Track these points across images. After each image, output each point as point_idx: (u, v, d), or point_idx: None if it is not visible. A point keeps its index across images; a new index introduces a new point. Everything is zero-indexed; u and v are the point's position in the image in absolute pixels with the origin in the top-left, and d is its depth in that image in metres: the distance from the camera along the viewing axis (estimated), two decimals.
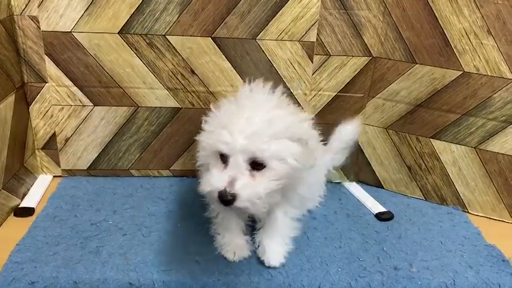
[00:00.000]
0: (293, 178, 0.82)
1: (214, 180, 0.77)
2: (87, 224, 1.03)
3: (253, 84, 0.83)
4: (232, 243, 0.95)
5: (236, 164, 0.77)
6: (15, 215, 1.05)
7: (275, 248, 0.94)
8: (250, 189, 0.76)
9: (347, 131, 1.16)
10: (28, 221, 1.02)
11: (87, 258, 0.92)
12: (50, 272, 0.88)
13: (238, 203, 0.75)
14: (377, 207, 1.15)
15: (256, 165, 0.77)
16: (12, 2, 1.01)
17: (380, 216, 1.12)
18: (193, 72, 1.12)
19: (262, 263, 0.93)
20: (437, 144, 1.14)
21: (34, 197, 1.11)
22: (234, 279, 0.90)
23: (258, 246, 0.95)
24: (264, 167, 0.78)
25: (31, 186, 1.15)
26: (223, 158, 0.79)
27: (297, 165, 0.79)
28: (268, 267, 0.92)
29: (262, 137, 0.76)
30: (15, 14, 1.02)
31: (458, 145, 1.12)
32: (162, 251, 0.96)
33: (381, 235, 1.06)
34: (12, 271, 0.88)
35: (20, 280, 0.86)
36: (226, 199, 0.75)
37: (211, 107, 0.84)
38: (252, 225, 0.99)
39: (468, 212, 1.17)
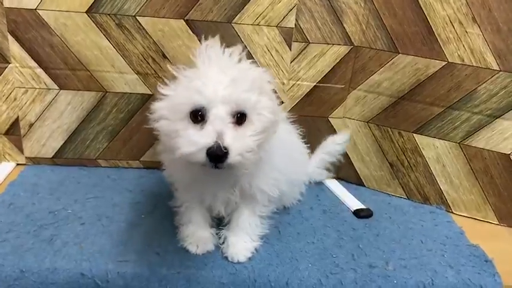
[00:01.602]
0: (267, 137, 0.74)
1: (196, 138, 0.67)
2: (45, 213, 0.96)
3: (210, 42, 0.75)
4: (196, 235, 0.89)
5: (219, 117, 0.68)
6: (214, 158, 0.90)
7: (241, 244, 0.88)
8: (241, 142, 0.68)
9: (336, 145, 1.14)
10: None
11: (38, 247, 0.86)
12: None
13: (231, 159, 0.66)
14: (356, 204, 1.09)
15: (238, 118, 0.70)
16: None
17: (358, 214, 1.06)
18: (164, 56, 1.06)
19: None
20: (421, 140, 1.09)
21: None
22: (195, 273, 0.83)
23: (223, 242, 0.89)
24: (245, 120, 0.70)
25: None
26: (196, 118, 0.69)
27: (273, 119, 0.72)
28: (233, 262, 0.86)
29: (243, 86, 0.69)
30: None
31: (442, 140, 1.07)
32: (121, 242, 0.89)
33: (358, 232, 0.99)
34: None
35: None
36: (221, 153, 0.65)
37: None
38: (218, 221, 0.93)
39: (452, 212, 1.11)
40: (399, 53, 1.04)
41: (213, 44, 0.74)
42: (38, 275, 0.81)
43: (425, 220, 1.06)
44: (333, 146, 1.14)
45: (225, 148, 0.66)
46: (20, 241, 0.87)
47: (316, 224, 1.01)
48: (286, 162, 0.88)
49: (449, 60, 1.00)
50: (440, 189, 1.11)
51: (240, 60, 0.74)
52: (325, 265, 0.88)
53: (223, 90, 0.68)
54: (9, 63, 1.04)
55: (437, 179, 1.10)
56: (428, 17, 0.99)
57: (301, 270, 0.86)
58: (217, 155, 0.66)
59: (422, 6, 0.99)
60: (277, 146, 0.81)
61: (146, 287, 0.82)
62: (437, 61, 1.01)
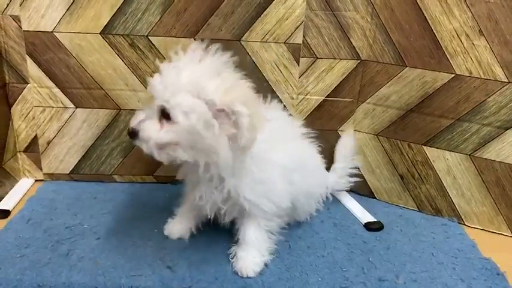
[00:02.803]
0: (203, 143, 0.76)
1: (132, 119, 0.82)
2: (62, 228, 1.00)
3: (196, 45, 0.81)
4: (174, 223, 0.99)
5: (151, 109, 0.79)
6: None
7: (249, 259, 0.89)
8: (150, 132, 0.78)
9: (346, 148, 1.14)
10: (1, 223, 1.00)
11: (55, 261, 0.89)
12: (14, 274, 0.85)
13: (137, 141, 0.80)
14: (366, 217, 1.09)
15: (165, 114, 0.77)
16: None
17: (369, 226, 1.06)
18: None
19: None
20: (431, 152, 1.09)
21: (11, 199, 1.08)
22: (207, 287, 0.85)
23: (233, 257, 0.91)
24: (170, 117, 0.77)
25: (10, 189, 1.12)
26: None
27: (199, 126, 0.74)
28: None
29: (169, 87, 0.76)
30: None
31: (452, 152, 1.07)
32: (135, 256, 0.92)
33: (368, 245, 1.00)
34: None
35: None
36: (130, 133, 0.80)
37: None
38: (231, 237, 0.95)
39: (464, 224, 1.10)
40: (407, 67, 1.05)
41: (196, 46, 0.81)
42: None
43: (437, 232, 1.06)
44: (344, 150, 1.14)
45: (134, 130, 0.79)
46: (37, 256, 0.90)
47: (327, 237, 1.02)
48: (298, 176, 0.91)
49: (457, 73, 1.01)
50: (452, 201, 1.10)
51: (199, 61, 0.78)
52: (335, 279, 0.88)
53: (157, 87, 0.77)
54: (28, 83, 1.09)
55: (448, 191, 1.10)
56: (435, 31, 1.00)
57: (311, 284, 0.87)
58: (128, 133, 0.81)
59: (428, 20, 1.00)
60: (277, 161, 0.86)
61: None
62: (445, 74, 1.02)
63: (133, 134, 0.79)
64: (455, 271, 0.93)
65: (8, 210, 1.04)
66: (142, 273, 0.87)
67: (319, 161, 1.06)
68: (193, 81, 0.75)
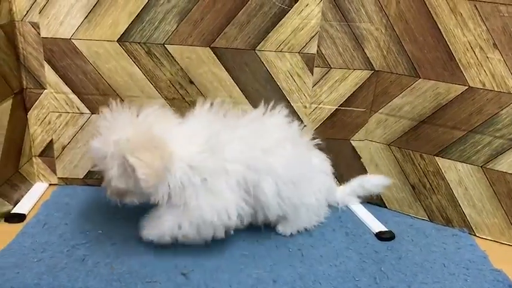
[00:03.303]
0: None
1: None
2: (77, 232, 1.01)
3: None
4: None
5: None
6: (5, 220, 1.04)
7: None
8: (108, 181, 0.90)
9: (376, 185, 1.15)
10: (18, 227, 1.01)
11: (71, 266, 0.90)
12: (31, 278, 0.86)
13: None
14: (378, 227, 1.10)
15: None
16: (13, 8, 1.02)
17: (380, 236, 1.07)
18: (191, 82, 1.10)
19: (251, 276, 0.90)
20: (442, 162, 1.10)
21: (27, 203, 1.10)
22: None
23: None
24: None
25: (25, 193, 1.14)
26: None
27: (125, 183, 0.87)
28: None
29: (99, 156, 0.88)
30: (16, 19, 1.03)
31: (464, 163, 1.08)
32: (149, 262, 0.93)
33: (380, 255, 1.00)
34: None
35: (1, 286, 0.84)
36: None
37: None
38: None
39: (475, 235, 1.11)
40: (420, 78, 1.06)
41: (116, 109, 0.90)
42: None
43: (448, 243, 1.07)
44: (369, 185, 1.15)
45: None
46: (54, 261, 0.91)
47: (339, 246, 1.03)
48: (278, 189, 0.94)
49: (471, 85, 1.01)
50: (463, 212, 1.11)
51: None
52: None
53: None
54: (45, 89, 1.10)
55: (459, 201, 1.11)
56: (449, 43, 1.01)
57: None
58: None
59: (442, 32, 1.01)
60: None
61: None
62: (459, 86, 1.02)
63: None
64: (466, 282, 0.93)
65: (24, 214, 1.06)
66: (158, 280, 0.88)
67: (321, 169, 1.07)
68: (105, 146, 0.85)
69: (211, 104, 0.95)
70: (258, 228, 1.03)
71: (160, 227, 0.93)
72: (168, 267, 0.91)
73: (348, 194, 1.17)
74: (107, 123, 0.87)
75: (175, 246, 0.98)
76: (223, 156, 0.89)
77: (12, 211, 1.06)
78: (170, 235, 0.93)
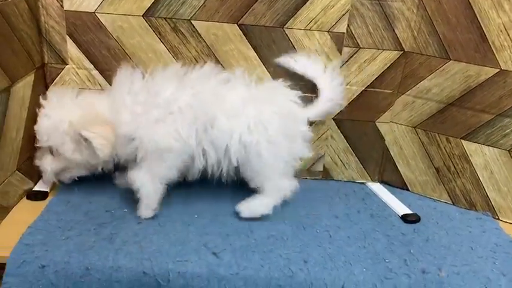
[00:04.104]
0: (84, 159, 0.99)
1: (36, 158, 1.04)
2: (101, 211, 0.99)
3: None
4: None
5: (44, 148, 1.01)
6: (28, 197, 1.02)
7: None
8: (45, 166, 1.01)
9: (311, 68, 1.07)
10: (41, 205, 0.99)
11: (100, 245, 0.88)
12: (61, 256, 0.84)
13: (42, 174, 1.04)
14: (402, 209, 1.10)
15: (52, 150, 0.99)
16: None
17: (406, 218, 1.06)
18: (216, 59, 1.08)
19: (281, 256, 0.90)
20: (468, 146, 1.09)
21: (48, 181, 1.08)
22: (254, 275, 0.85)
23: None
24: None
25: None
26: None
27: (73, 153, 0.97)
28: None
29: (45, 133, 0.98)
30: None
31: (490, 147, 1.07)
32: (178, 241, 0.91)
33: (407, 237, 1.00)
34: (22, 253, 0.84)
35: (30, 263, 0.83)
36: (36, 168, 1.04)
37: None
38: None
39: (499, 219, 1.11)
40: (450, 60, 1.04)
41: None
42: (102, 273, 0.84)
43: (473, 226, 1.07)
44: (311, 68, 1.07)
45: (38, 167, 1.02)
46: (82, 239, 0.90)
47: (365, 228, 1.02)
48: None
49: (502, 68, 1.00)
50: (487, 196, 1.11)
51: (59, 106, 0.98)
52: (379, 270, 0.89)
53: (38, 132, 0.99)
54: (67, 64, 1.07)
55: (484, 185, 1.10)
56: (482, 24, 0.99)
57: (356, 275, 0.87)
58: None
59: (476, 13, 0.99)
60: None
61: (206, 287, 0.84)
62: (490, 68, 1.01)
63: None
64: (495, 265, 0.93)
65: (47, 192, 1.04)
66: (189, 259, 0.87)
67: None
68: (56, 123, 0.95)
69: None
70: (283, 209, 1.03)
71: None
72: (197, 247, 0.90)
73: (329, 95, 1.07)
74: (52, 103, 0.98)
75: (204, 226, 0.97)
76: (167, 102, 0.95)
77: (35, 188, 1.05)
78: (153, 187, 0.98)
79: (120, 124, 0.96)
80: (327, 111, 1.09)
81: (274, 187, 1.01)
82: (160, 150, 0.95)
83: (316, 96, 1.08)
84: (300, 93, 1.04)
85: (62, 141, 0.96)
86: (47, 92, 1.01)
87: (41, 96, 0.99)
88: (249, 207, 1.01)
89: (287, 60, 1.07)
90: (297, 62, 1.07)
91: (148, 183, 0.97)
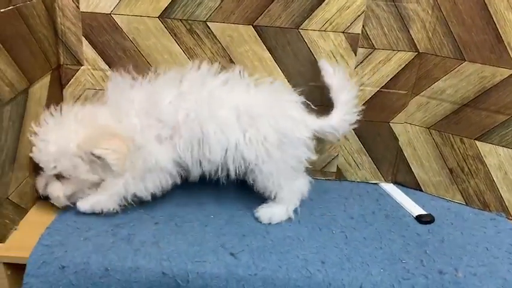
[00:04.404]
0: (95, 178, 0.94)
1: (38, 185, 0.98)
2: (121, 212, 0.99)
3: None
4: None
5: (47, 174, 0.95)
6: (44, 198, 1.02)
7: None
8: (56, 192, 0.95)
9: (328, 71, 1.03)
10: (57, 206, 1.00)
11: (118, 246, 0.89)
12: (80, 257, 0.85)
13: (52, 201, 0.98)
14: (417, 210, 1.10)
15: (59, 175, 0.94)
16: None
17: (420, 219, 1.07)
18: (231, 61, 1.08)
19: (298, 257, 0.90)
20: (483, 147, 1.09)
21: None
22: (271, 275, 0.86)
23: None
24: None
25: None
26: None
27: (85, 174, 0.93)
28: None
29: (49, 158, 0.92)
30: None
31: (505, 148, 1.07)
32: (196, 242, 0.92)
33: (422, 238, 1.01)
34: (42, 254, 0.85)
35: (50, 264, 0.84)
36: (42, 197, 0.99)
37: None
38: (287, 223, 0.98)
39: None
40: (465, 61, 1.04)
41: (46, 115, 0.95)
42: (121, 273, 0.84)
43: (487, 227, 1.07)
44: (335, 79, 1.03)
45: (45, 195, 0.97)
46: (100, 240, 0.90)
47: (381, 228, 1.02)
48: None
49: None
50: (501, 196, 1.11)
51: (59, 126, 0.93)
52: (396, 271, 0.89)
53: (39, 159, 0.94)
54: (82, 65, 1.08)
55: (498, 186, 1.10)
56: (498, 25, 0.99)
57: (374, 276, 0.87)
58: (43, 198, 1.00)
59: (492, 14, 0.99)
60: None
61: (225, 287, 0.85)
62: (505, 69, 1.01)
63: (46, 197, 0.96)
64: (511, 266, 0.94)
65: None
66: (207, 260, 0.87)
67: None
68: (61, 147, 0.89)
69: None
70: (299, 210, 1.04)
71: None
72: (215, 247, 0.91)
73: (344, 113, 1.02)
74: (49, 127, 0.93)
75: (220, 226, 0.98)
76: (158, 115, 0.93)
77: None
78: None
79: (129, 131, 0.92)
80: (337, 129, 1.02)
81: (289, 193, 1.01)
82: (155, 168, 0.94)
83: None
84: (302, 98, 1.00)
85: (74, 164, 0.91)
86: (40, 117, 0.94)
87: (32, 124, 0.92)
88: (268, 213, 1.01)
89: (326, 67, 1.04)
90: (331, 75, 1.03)
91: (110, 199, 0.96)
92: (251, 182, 0.99)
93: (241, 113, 0.94)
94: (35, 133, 0.92)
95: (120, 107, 0.94)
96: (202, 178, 1.01)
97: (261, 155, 0.95)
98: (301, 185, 1.03)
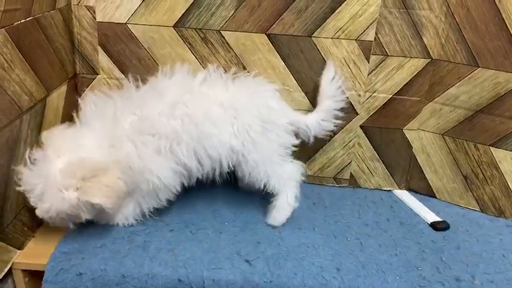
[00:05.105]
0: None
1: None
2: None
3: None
4: None
5: None
6: None
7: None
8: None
9: (331, 83, 1.06)
10: None
11: (134, 252, 0.90)
12: (97, 264, 0.86)
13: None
14: (431, 217, 1.09)
15: None
16: None
17: (435, 226, 1.06)
18: (245, 69, 1.09)
19: (313, 264, 0.90)
20: (497, 153, 1.09)
21: None
22: (287, 282, 0.86)
23: None
24: None
25: None
26: None
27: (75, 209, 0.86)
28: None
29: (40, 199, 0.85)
30: (73, 3, 1.02)
31: None
32: (211, 249, 0.93)
33: (438, 245, 1.00)
34: (60, 261, 0.86)
35: (67, 271, 0.84)
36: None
37: None
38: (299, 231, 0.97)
39: None
40: (479, 67, 1.04)
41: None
42: (138, 280, 0.85)
43: (503, 234, 1.06)
44: (330, 85, 1.06)
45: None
46: (116, 247, 0.91)
47: (395, 236, 1.02)
48: None
49: None
50: None
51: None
52: (412, 278, 0.89)
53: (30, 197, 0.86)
54: (98, 74, 1.09)
55: None
56: (511, 31, 0.99)
57: (390, 283, 0.87)
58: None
59: (506, 20, 0.99)
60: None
61: None
62: None
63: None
64: None
65: None
66: (222, 267, 0.88)
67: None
68: (60, 205, 0.82)
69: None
70: (312, 217, 1.04)
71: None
72: (230, 254, 0.91)
73: (323, 119, 1.06)
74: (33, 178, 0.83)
75: (235, 233, 0.98)
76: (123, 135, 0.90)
77: None
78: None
79: (125, 158, 0.89)
80: (310, 129, 1.05)
81: (281, 178, 1.01)
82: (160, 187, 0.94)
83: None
84: (276, 86, 1.03)
85: (75, 213, 0.85)
86: (20, 174, 0.83)
87: (18, 179, 0.83)
88: (273, 212, 1.01)
89: (329, 70, 1.07)
90: (328, 79, 1.06)
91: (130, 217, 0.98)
92: (240, 175, 1.01)
93: (226, 107, 0.96)
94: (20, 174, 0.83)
95: (107, 130, 0.90)
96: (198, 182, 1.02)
97: (247, 145, 0.96)
98: (290, 170, 1.03)
